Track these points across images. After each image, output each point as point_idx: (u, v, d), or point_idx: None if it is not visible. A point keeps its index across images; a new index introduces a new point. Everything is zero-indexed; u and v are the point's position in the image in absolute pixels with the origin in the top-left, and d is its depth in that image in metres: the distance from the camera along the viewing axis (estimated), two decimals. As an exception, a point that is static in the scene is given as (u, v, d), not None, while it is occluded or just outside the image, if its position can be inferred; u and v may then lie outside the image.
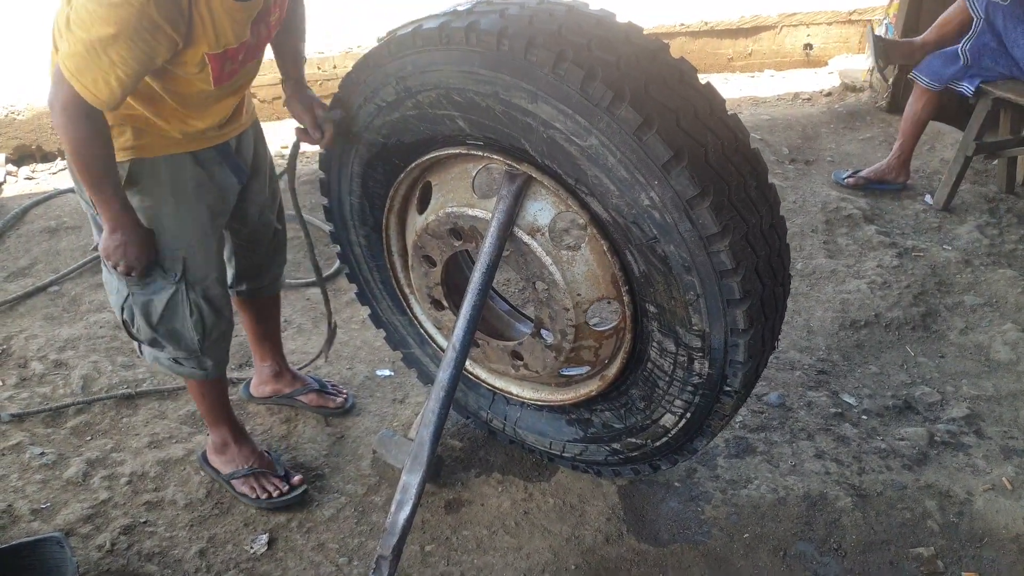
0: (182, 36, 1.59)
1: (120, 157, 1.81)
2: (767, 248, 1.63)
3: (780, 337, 2.94)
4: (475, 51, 1.58)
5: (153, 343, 2.03)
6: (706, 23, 5.97)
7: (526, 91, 1.55)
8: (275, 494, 2.18)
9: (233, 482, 2.22)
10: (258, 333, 2.49)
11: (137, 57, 1.55)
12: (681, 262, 1.58)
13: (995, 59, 3.70)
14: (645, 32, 1.64)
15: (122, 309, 2.00)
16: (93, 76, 1.56)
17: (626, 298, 1.77)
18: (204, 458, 2.30)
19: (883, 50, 3.98)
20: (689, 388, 1.79)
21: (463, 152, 1.83)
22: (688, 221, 1.52)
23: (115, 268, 1.87)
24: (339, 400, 2.59)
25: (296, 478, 2.23)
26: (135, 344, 2.11)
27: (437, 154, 1.87)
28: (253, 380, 2.63)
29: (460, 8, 1.65)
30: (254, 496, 2.19)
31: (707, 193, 1.49)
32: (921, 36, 3.97)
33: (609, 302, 1.83)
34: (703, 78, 1.65)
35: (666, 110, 1.50)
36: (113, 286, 1.99)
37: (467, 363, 2.23)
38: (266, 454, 2.28)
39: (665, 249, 1.59)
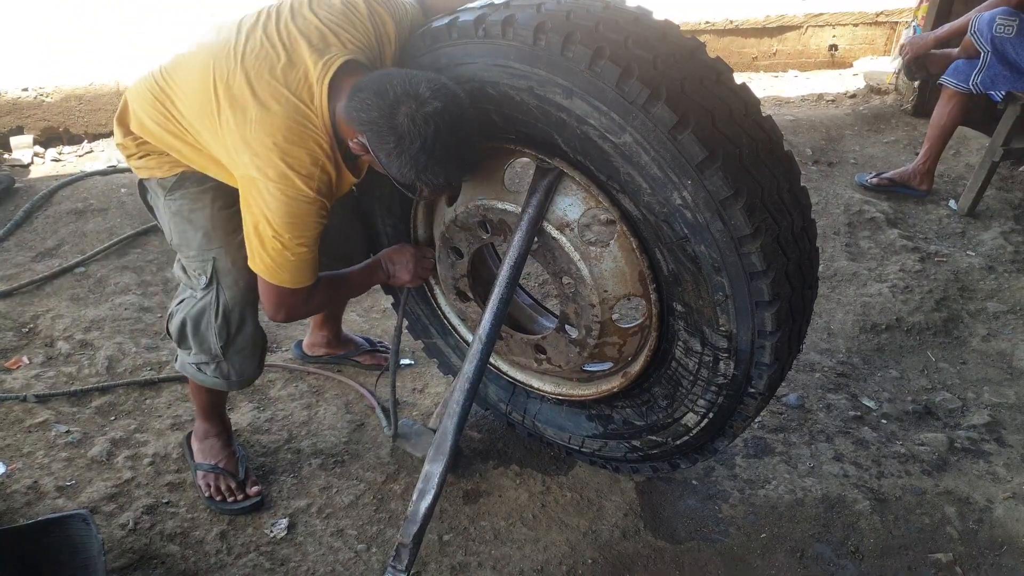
0: (327, 216, 1.79)
1: (170, 173, 1.92)
2: (797, 251, 1.63)
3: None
4: (511, 45, 1.58)
5: (181, 341, 2.06)
6: (731, 22, 5.94)
7: (561, 87, 1.55)
8: (228, 499, 2.17)
9: (198, 472, 2.23)
10: (324, 311, 2.61)
11: (316, 231, 1.76)
12: (711, 262, 1.58)
13: (1012, 84, 3.68)
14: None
15: (173, 309, 2.06)
16: (294, 268, 1.78)
17: (653, 296, 1.78)
18: (188, 439, 2.33)
19: (921, 66, 4.01)
20: (713, 388, 1.79)
21: (495, 145, 1.83)
22: (720, 221, 1.52)
23: (423, 280, 2.16)
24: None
25: (253, 489, 2.20)
26: (174, 354, 2.16)
27: None
28: (306, 340, 2.74)
29: (496, 2, 1.66)
30: (207, 493, 2.19)
31: (740, 194, 1.49)
32: (956, 49, 3.94)
33: (635, 299, 1.83)
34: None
35: (702, 110, 1.50)
36: (179, 290, 2.07)
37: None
38: (235, 454, 2.26)
39: (696, 249, 1.59)
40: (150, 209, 2.08)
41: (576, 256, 1.80)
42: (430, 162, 1.62)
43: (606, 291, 1.81)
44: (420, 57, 1.77)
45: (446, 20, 1.70)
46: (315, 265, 1.82)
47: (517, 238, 1.81)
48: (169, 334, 2.09)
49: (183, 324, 2.01)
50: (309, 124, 1.68)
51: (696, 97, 1.51)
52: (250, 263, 1.81)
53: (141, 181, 2.02)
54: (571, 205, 1.79)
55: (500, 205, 1.87)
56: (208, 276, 1.95)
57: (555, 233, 1.81)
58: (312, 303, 1.92)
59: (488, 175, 1.90)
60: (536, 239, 1.83)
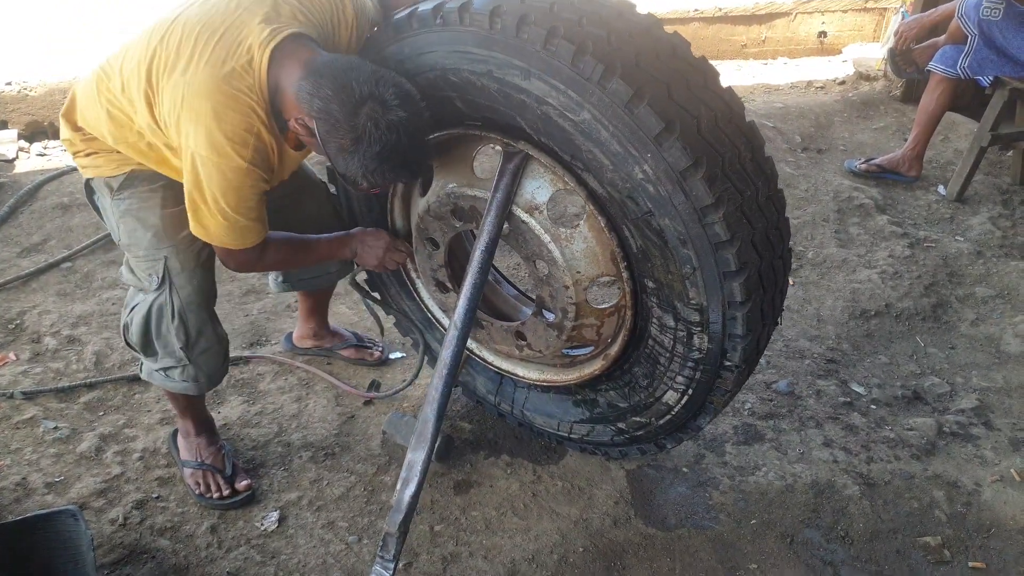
0: (270, 183, 1.81)
1: (117, 172, 1.89)
2: (764, 220, 1.63)
3: (784, 321, 2.96)
4: (469, 31, 1.60)
5: (146, 349, 2.03)
6: (720, 9, 5.93)
7: (519, 68, 1.56)
8: (215, 496, 2.16)
9: (185, 469, 2.22)
10: (308, 303, 2.64)
11: (256, 196, 1.77)
12: (676, 235, 1.58)
13: (999, 68, 3.68)
14: (658, 16, 1.65)
15: (127, 320, 2.03)
16: (239, 232, 1.79)
17: (625, 274, 1.78)
18: (174, 436, 2.31)
19: (909, 60, 4.03)
20: (690, 364, 1.79)
21: (461, 132, 1.84)
22: (682, 193, 1.52)
23: (388, 269, 2.17)
24: (376, 353, 2.75)
25: (242, 483, 2.18)
26: (137, 364, 2.13)
27: (437, 135, 1.88)
28: (295, 332, 2.76)
29: None
30: (197, 491, 2.18)
31: (700, 164, 1.50)
32: (942, 37, 3.95)
33: (609, 279, 1.85)
34: (716, 64, 1.65)
35: (657, 82, 1.51)
36: (128, 298, 2.04)
37: (474, 346, 2.24)
38: (221, 450, 2.25)
39: (660, 223, 1.59)
40: (96, 210, 2.05)
41: (547, 238, 1.81)
42: (382, 166, 1.64)
43: (579, 272, 1.82)
44: (384, 49, 1.78)
45: (406, 11, 1.72)
46: (260, 226, 1.81)
47: (486, 223, 1.81)
48: (131, 345, 2.06)
49: (145, 328, 1.98)
50: (245, 88, 1.66)
51: (651, 70, 1.52)
52: (192, 228, 1.80)
53: (88, 181, 1.99)
54: (539, 188, 1.80)
55: (470, 192, 1.87)
56: (160, 276, 1.93)
57: (524, 216, 1.82)
58: (266, 260, 1.94)
59: (457, 162, 1.90)
60: (507, 224, 1.84)
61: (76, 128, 1.92)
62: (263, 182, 1.75)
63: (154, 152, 1.82)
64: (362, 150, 1.61)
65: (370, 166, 1.64)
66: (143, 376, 2.14)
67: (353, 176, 1.70)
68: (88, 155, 1.92)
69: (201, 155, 1.67)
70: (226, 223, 1.75)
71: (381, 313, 2.46)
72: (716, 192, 1.51)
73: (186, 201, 1.77)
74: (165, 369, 2.05)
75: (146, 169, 1.89)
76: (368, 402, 2.56)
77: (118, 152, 1.87)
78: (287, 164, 1.85)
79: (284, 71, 1.66)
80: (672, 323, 1.76)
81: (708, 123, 1.54)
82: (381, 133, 1.58)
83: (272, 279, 2.55)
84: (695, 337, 1.73)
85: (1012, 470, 2.34)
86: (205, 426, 2.26)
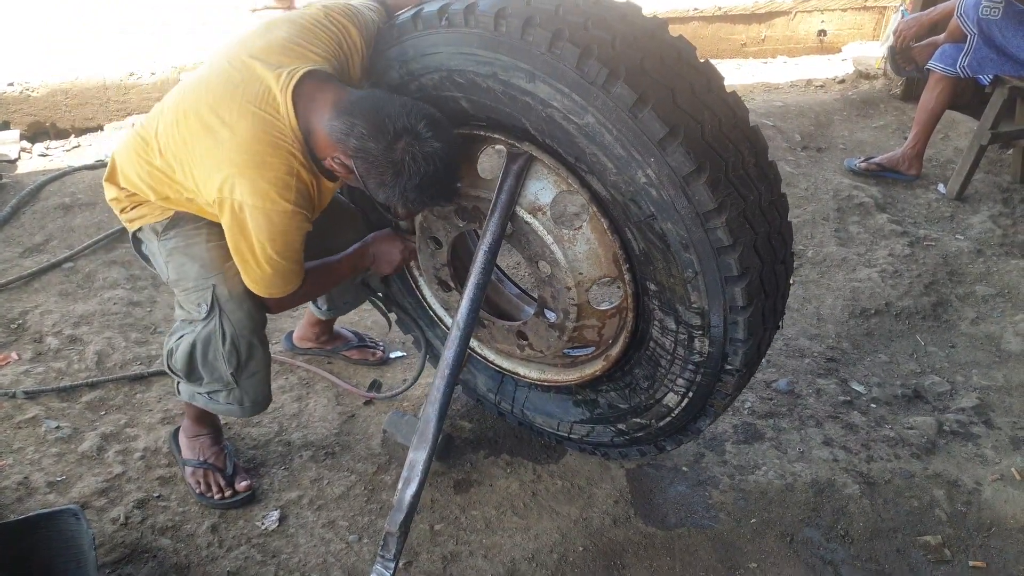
0: (311, 220, 1.84)
1: (162, 216, 1.95)
2: (766, 225, 1.64)
3: (785, 320, 2.96)
4: (474, 32, 1.60)
5: (190, 375, 2.03)
6: (720, 8, 5.93)
7: (524, 71, 1.56)
8: (216, 496, 2.16)
9: (186, 468, 2.23)
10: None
11: (301, 238, 1.81)
12: (679, 239, 1.59)
13: (999, 67, 3.68)
14: (658, 16, 1.65)
15: (172, 346, 2.04)
16: (284, 277, 1.85)
17: (627, 276, 1.79)
18: (175, 435, 2.32)
19: (909, 58, 4.03)
20: (690, 367, 1.80)
21: (467, 132, 1.84)
22: (685, 198, 1.52)
23: (400, 269, 2.21)
24: (378, 353, 2.78)
25: (242, 484, 2.18)
26: (174, 383, 2.14)
27: None
28: (296, 333, 2.77)
29: None
30: (197, 490, 2.18)
31: (703, 169, 1.50)
32: (942, 36, 3.95)
33: (611, 281, 1.85)
34: (716, 63, 1.65)
35: (662, 87, 1.51)
36: (174, 327, 2.06)
37: (475, 344, 2.25)
38: (223, 450, 2.26)
39: (663, 226, 1.59)
40: (146, 260, 2.09)
41: (549, 239, 1.81)
42: (422, 195, 1.71)
43: (581, 273, 1.82)
44: (388, 50, 1.78)
45: (411, 12, 1.73)
46: (301, 269, 1.88)
47: (490, 224, 1.82)
48: (173, 371, 2.06)
49: (191, 355, 1.98)
50: (279, 134, 1.71)
51: (656, 75, 1.52)
52: (244, 279, 1.86)
53: (134, 233, 2.03)
54: (542, 189, 1.81)
55: (474, 192, 1.88)
56: (208, 304, 1.93)
57: (528, 217, 1.82)
58: (298, 296, 1.97)
59: (462, 162, 1.91)
60: (510, 224, 1.84)
61: (119, 187, 1.97)
62: (307, 222, 1.80)
63: (194, 206, 1.88)
64: (402, 183, 1.66)
65: (410, 196, 1.70)
66: (183, 398, 2.14)
67: (392, 203, 1.76)
68: (134, 208, 1.97)
69: (248, 204, 1.71)
70: (272, 271, 1.81)
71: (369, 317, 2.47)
72: (719, 197, 1.51)
73: (232, 255, 1.82)
74: (210, 392, 2.06)
75: (189, 212, 1.93)
76: (368, 401, 2.57)
77: (162, 201, 1.92)
78: (325, 197, 1.89)
79: (313, 112, 1.70)
80: (673, 326, 1.76)
81: (712, 128, 1.54)
82: (419, 165, 1.64)
83: (316, 309, 2.58)
84: (696, 340, 1.73)
85: (1012, 469, 2.34)
86: (211, 427, 2.27)
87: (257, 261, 1.79)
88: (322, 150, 1.73)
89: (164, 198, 1.90)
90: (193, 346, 1.97)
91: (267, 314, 2.01)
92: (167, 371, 2.10)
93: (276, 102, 1.69)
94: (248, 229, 1.74)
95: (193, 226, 1.95)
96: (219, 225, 1.85)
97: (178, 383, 2.12)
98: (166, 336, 2.09)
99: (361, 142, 1.64)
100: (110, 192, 2.00)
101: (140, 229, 2.00)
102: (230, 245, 1.80)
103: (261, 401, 2.11)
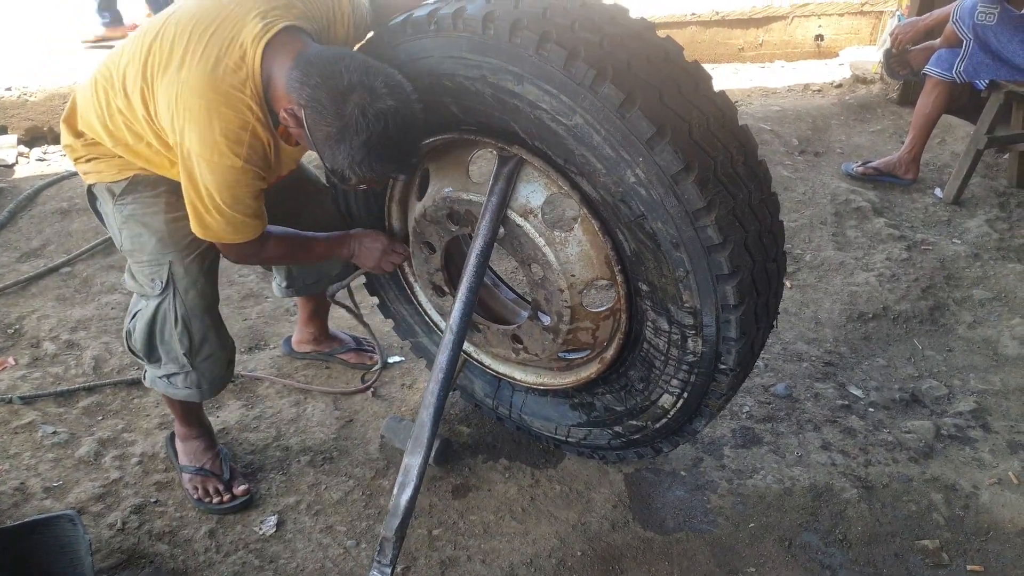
0: (267, 180, 1.81)
1: (119, 177, 1.89)
2: (757, 223, 1.64)
3: (782, 324, 2.97)
4: (463, 36, 1.61)
5: (150, 354, 2.03)
6: (717, 13, 5.93)
7: (512, 73, 1.57)
8: (215, 501, 2.16)
9: (183, 474, 2.22)
10: (308, 308, 2.64)
11: (252, 193, 1.77)
12: (669, 239, 1.59)
13: (994, 72, 3.70)
14: (654, 21, 1.67)
15: (129, 327, 2.03)
16: (236, 228, 1.79)
17: (619, 278, 1.79)
18: (171, 439, 2.31)
19: (904, 63, 4.05)
20: (684, 367, 1.80)
21: (457, 137, 1.85)
22: (674, 197, 1.53)
23: (387, 272, 2.18)
24: (376, 357, 2.71)
25: (240, 488, 2.18)
26: (142, 371, 2.14)
27: (433, 140, 1.89)
28: (294, 337, 2.75)
29: None
30: (195, 496, 2.18)
31: (692, 168, 1.50)
32: (938, 40, 3.96)
33: (604, 282, 1.85)
34: (713, 68, 1.65)
35: (649, 87, 1.52)
36: (131, 304, 2.04)
37: (471, 350, 2.25)
38: (219, 455, 2.25)
39: (653, 226, 1.60)
40: (99, 216, 2.05)
41: (541, 242, 1.82)
42: (368, 157, 1.62)
43: (574, 276, 1.83)
44: (379, 55, 1.78)
45: (401, 17, 1.73)
46: (257, 222, 1.82)
47: (481, 227, 1.82)
48: (134, 351, 2.06)
49: (148, 334, 1.98)
50: (238, 85, 1.66)
51: (643, 75, 1.53)
52: (192, 226, 1.81)
53: (90, 187, 1.98)
54: (533, 192, 1.81)
55: (466, 196, 1.88)
56: (163, 281, 1.92)
57: (519, 220, 1.82)
58: (265, 254, 1.95)
59: (453, 167, 1.91)
60: (502, 228, 1.84)
61: (77, 134, 1.92)
62: (259, 180, 1.76)
63: (154, 153, 1.82)
64: (349, 138, 1.59)
65: (357, 156, 1.61)
66: (147, 383, 2.14)
67: (341, 169, 1.68)
68: (89, 160, 1.92)
69: (196, 153, 1.67)
70: (223, 219, 1.76)
71: (371, 320, 2.46)
72: (708, 195, 1.52)
73: (184, 199, 1.78)
74: (168, 376, 2.05)
75: (149, 174, 1.89)
76: (367, 401, 2.56)
77: (119, 157, 1.87)
78: (284, 161, 1.85)
79: (276, 63, 1.66)
80: (666, 326, 1.76)
81: (700, 127, 1.55)
82: (368, 121, 1.56)
83: (276, 285, 2.56)
84: (689, 340, 1.74)
85: (1010, 473, 2.35)
86: (203, 431, 2.26)
87: (206, 207, 1.74)
88: (278, 101, 1.68)
89: (122, 146, 1.83)
90: (151, 323, 1.96)
91: (235, 264, 2.00)
92: (129, 352, 2.09)
93: (245, 51, 1.65)
94: (197, 177, 1.71)
95: (151, 193, 1.90)
96: (179, 193, 1.81)
97: (144, 371, 2.12)
98: (124, 314, 2.08)
99: (313, 91, 1.58)
100: (66, 137, 1.94)
101: (95, 185, 1.95)
102: (183, 186, 1.76)
103: (218, 384, 2.11)
